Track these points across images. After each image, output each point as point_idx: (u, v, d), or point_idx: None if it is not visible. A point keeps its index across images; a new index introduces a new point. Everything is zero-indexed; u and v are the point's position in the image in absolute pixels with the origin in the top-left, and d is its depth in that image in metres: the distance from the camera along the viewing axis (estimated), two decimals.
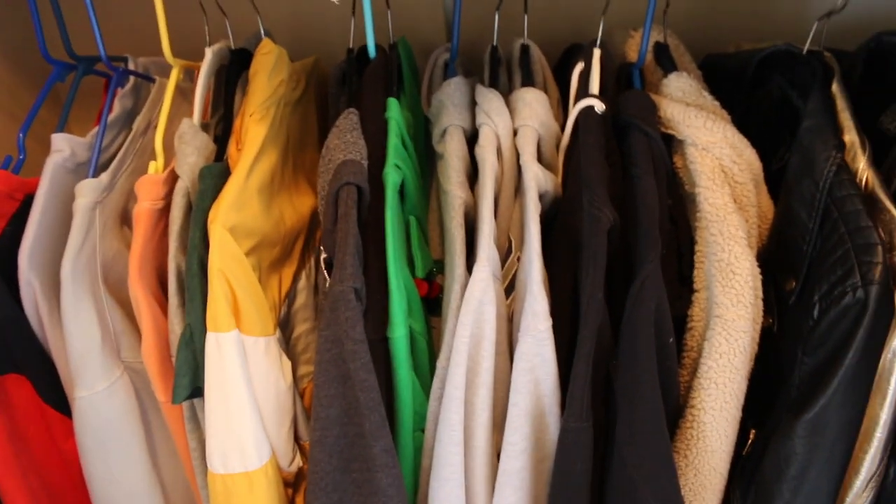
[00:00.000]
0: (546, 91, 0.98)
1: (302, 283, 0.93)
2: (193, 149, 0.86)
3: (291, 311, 0.92)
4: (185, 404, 0.85)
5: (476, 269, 0.77)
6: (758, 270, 0.82)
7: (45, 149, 0.89)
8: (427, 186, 0.96)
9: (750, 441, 0.88)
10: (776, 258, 0.87)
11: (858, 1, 1.09)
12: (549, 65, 1.06)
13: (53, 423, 0.91)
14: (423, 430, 0.83)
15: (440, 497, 0.80)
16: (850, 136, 0.86)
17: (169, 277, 0.82)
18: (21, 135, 0.91)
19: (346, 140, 0.83)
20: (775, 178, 0.90)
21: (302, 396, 0.89)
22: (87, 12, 0.88)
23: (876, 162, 0.84)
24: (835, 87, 0.90)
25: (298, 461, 0.87)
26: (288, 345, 0.91)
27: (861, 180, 0.83)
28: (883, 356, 0.77)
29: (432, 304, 0.89)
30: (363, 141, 0.84)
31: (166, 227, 0.84)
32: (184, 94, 0.99)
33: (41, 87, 0.95)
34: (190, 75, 0.99)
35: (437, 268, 0.90)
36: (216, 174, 0.83)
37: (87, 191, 0.85)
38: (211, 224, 0.77)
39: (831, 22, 0.91)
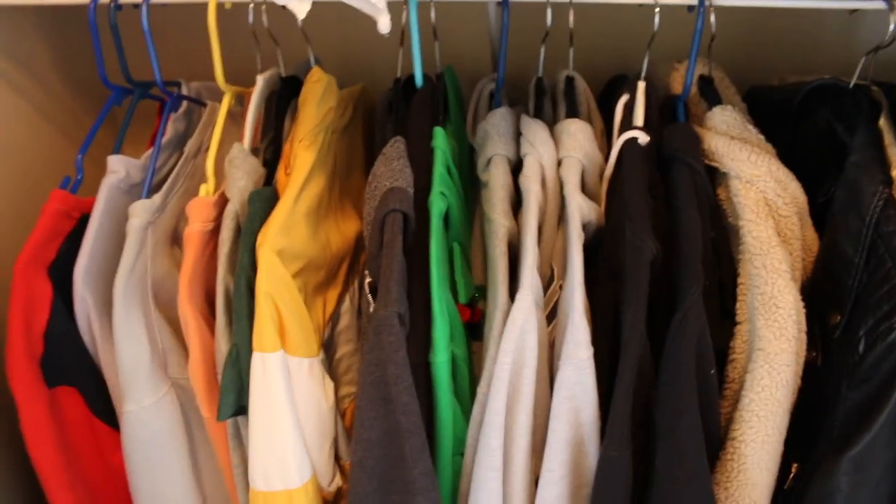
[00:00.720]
0: (590, 121, 0.99)
1: (346, 305, 0.95)
2: (243, 173, 0.88)
3: (335, 332, 0.93)
4: (230, 422, 0.86)
5: (519, 297, 0.78)
6: (801, 304, 0.82)
7: (102, 170, 0.92)
8: (471, 213, 0.97)
9: (792, 475, 0.87)
10: (821, 292, 0.87)
11: None
12: (593, 94, 1.07)
13: (102, 435, 0.93)
14: (462, 455, 0.83)
15: None
16: None
17: (217, 297, 0.84)
18: (79, 156, 0.94)
19: (392, 168, 0.85)
20: (821, 212, 0.90)
21: (343, 416, 0.91)
22: (144, 40, 0.92)
23: None
24: (882, 122, 0.91)
25: (338, 481, 0.88)
26: (330, 366, 0.92)
27: None
28: None
29: (474, 328, 0.90)
30: (409, 169, 0.86)
31: (215, 248, 0.86)
32: (234, 118, 1.02)
33: (99, 111, 0.98)
34: (240, 100, 1.01)
35: (479, 293, 0.91)
36: (265, 198, 0.85)
37: (140, 211, 0.88)
38: (259, 247, 0.79)
39: (881, 54, 0.90)
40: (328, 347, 0.92)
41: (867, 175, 0.84)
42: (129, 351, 0.85)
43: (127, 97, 1.00)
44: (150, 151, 0.95)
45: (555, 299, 0.84)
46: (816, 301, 0.86)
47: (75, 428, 0.91)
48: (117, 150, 0.97)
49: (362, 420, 0.76)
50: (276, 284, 0.78)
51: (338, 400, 0.91)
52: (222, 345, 0.83)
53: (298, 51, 1.00)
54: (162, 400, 0.88)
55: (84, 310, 0.87)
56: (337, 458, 0.89)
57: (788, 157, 0.92)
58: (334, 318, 0.93)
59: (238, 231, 0.85)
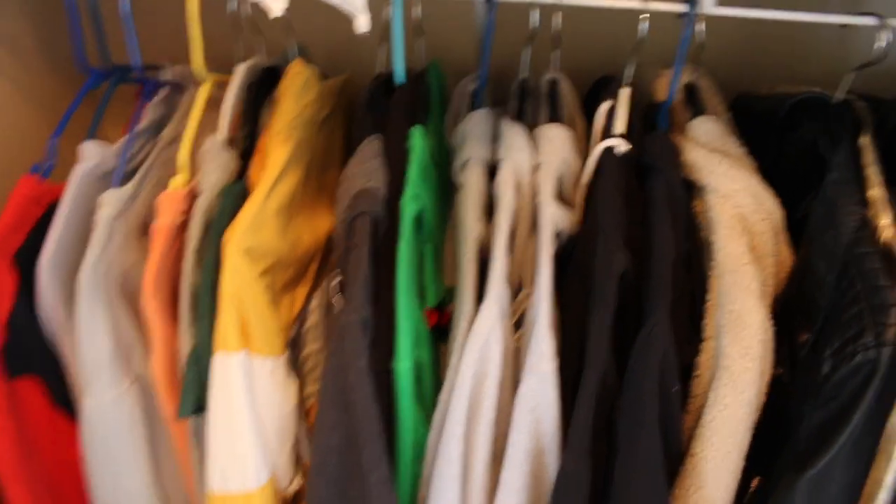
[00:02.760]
0: (573, 124, 0.98)
1: (315, 302, 0.94)
2: (216, 166, 0.87)
3: (303, 330, 0.93)
4: (191, 420, 0.86)
5: (484, 307, 0.77)
6: (769, 324, 0.81)
7: None
8: (446, 214, 0.97)
9: (752, 489, 0.88)
10: (793, 308, 0.87)
11: None
12: (579, 94, 1.06)
13: (63, 428, 0.92)
14: (422, 462, 0.83)
15: None
16: (875, 191, 0.85)
17: (181, 295, 0.83)
18: (52, 140, 0.93)
19: (365, 168, 0.84)
20: (800, 227, 0.89)
21: (307, 416, 0.90)
22: (124, 21, 0.90)
23: None
24: (863, 140, 0.90)
25: (298, 481, 0.88)
26: (297, 363, 0.92)
27: (882, 237, 0.82)
28: (891, 418, 0.76)
29: (443, 331, 0.90)
30: (383, 169, 0.85)
31: (183, 243, 0.85)
32: (216, 106, 1.00)
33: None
34: (223, 88, 1.00)
35: (450, 296, 0.91)
36: (236, 194, 0.84)
37: (110, 201, 0.87)
38: (226, 245, 0.78)
39: (872, 69, 0.89)
40: (295, 345, 0.91)
41: (844, 195, 0.83)
42: (92, 344, 0.84)
43: (105, 81, 0.99)
44: (124, 138, 0.94)
45: (523, 308, 0.83)
46: (788, 317, 0.86)
47: (35, 420, 0.90)
48: (92, 136, 0.95)
49: (321, 426, 0.76)
50: (240, 285, 0.77)
51: (303, 398, 0.91)
52: (185, 342, 0.83)
53: (285, 40, 0.99)
54: (123, 395, 0.87)
55: (48, 300, 0.86)
56: (298, 458, 0.89)
57: (773, 169, 0.92)
58: (302, 315, 0.92)
59: (207, 227, 0.85)
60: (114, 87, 0.99)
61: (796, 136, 0.99)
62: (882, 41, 0.86)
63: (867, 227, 0.81)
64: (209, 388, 0.78)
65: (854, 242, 0.80)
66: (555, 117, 0.98)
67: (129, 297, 0.87)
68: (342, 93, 1.05)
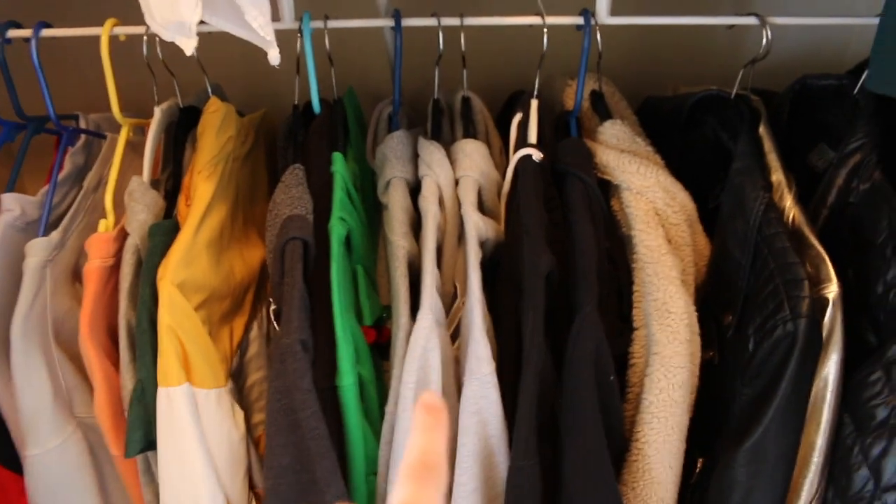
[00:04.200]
0: (488, 140, 1.02)
1: (254, 332, 0.95)
2: (143, 206, 0.88)
3: (244, 360, 0.93)
4: (140, 458, 0.85)
5: (419, 317, 0.79)
6: (693, 308, 0.85)
7: None
8: (375, 235, 0.99)
9: (697, 470, 0.91)
10: (715, 294, 0.91)
11: (786, 45, 1.15)
12: (493, 112, 1.09)
13: (6, 482, 0.91)
14: (375, 475, 0.84)
15: None
16: (777, 175, 0.90)
17: (119, 333, 0.83)
18: None
19: (291, 195, 0.86)
20: (712, 217, 0.94)
21: (257, 445, 0.90)
22: (35, 72, 0.90)
23: (805, 198, 0.89)
24: (762, 129, 0.95)
25: None
26: (241, 394, 0.92)
27: (788, 218, 0.87)
28: (815, 385, 0.81)
29: (384, 348, 0.91)
30: (308, 195, 0.87)
31: (117, 283, 0.85)
32: (136, 149, 1.01)
33: None
34: (142, 131, 1.01)
35: (388, 313, 0.92)
36: (165, 231, 0.85)
37: (37, 250, 0.87)
38: (160, 281, 0.79)
39: (764, 65, 0.95)
40: (238, 376, 0.91)
41: (749, 181, 0.88)
42: (30, 393, 0.83)
43: (21, 133, 0.99)
44: (46, 188, 0.94)
45: (458, 317, 0.85)
46: (711, 303, 0.90)
47: None
48: (11, 188, 0.95)
49: (272, 447, 0.77)
50: (178, 317, 0.78)
51: (251, 428, 0.91)
52: (127, 381, 0.83)
53: (199, 78, 1.00)
54: (67, 441, 0.86)
55: None
56: (252, 486, 0.89)
57: (679, 165, 0.95)
58: (242, 345, 0.93)
59: (139, 265, 0.85)
60: (30, 137, 0.99)
61: (700, 133, 1.04)
62: (764, 38, 0.92)
63: (774, 210, 0.86)
64: (157, 423, 0.78)
65: (763, 225, 0.84)
66: (470, 133, 1.01)
67: (65, 342, 0.87)
68: (262, 127, 1.06)
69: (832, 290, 0.79)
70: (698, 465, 0.91)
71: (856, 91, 0.91)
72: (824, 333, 0.79)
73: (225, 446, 0.83)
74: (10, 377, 0.84)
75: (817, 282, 0.80)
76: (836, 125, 0.97)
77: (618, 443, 0.85)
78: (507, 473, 0.81)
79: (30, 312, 0.84)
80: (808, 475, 0.82)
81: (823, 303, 0.79)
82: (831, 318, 0.79)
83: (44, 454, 0.85)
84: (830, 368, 0.80)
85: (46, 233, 0.90)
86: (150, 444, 0.81)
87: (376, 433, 0.84)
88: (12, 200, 0.90)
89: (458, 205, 0.89)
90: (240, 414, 0.86)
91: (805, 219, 0.86)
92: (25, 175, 1.00)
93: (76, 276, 0.92)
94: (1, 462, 0.91)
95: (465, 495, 0.80)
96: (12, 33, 0.91)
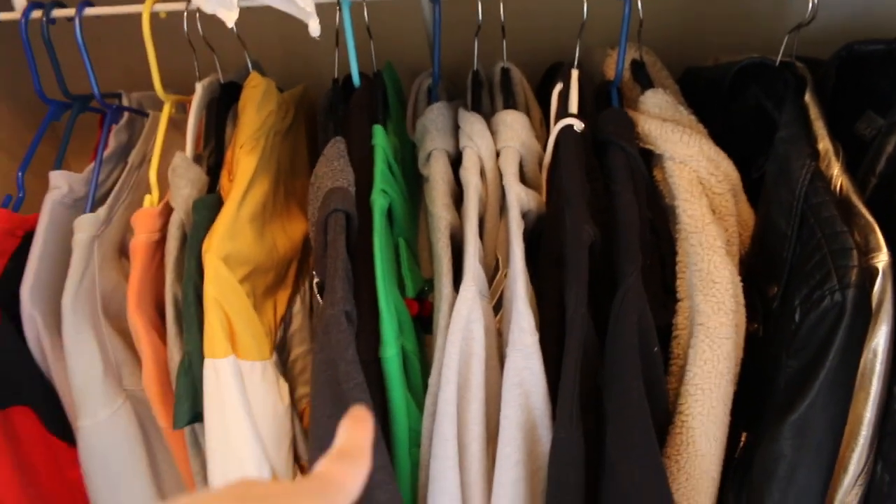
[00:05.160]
0: (528, 111, 1.01)
1: (297, 306, 0.96)
2: (187, 181, 0.89)
3: (288, 334, 0.94)
4: (187, 430, 0.87)
5: (462, 288, 0.79)
6: (738, 278, 0.84)
7: (46, 186, 0.92)
8: (416, 208, 0.99)
9: (742, 444, 0.90)
10: (759, 265, 0.90)
11: (832, 11, 1.12)
12: (532, 84, 1.09)
13: (59, 452, 0.93)
14: (419, 447, 0.85)
15: None
16: (824, 143, 0.88)
17: (166, 307, 0.84)
18: (20, 174, 0.94)
19: (333, 168, 0.86)
20: (755, 187, 0.92)
21: (301, 417, 0.92)
22: (80, 52, 0.91)
23: (853, 167, 0.87)
24: (807, 97, 0.93)
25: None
26: (286, 367, 0.93)
27: (836, 186, 0.85)
28: (864, 356, 0.79)
29: (426, 322, 0.91)
30: (350, 168, 0.87)
31: (163, 258, 0.87)
32: (178, 126, 1.02)
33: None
34: (183, 108, 1.02)
35: (429, 287, 0.93)
36: (209, 205, 0.85)
37: (85, 225, 0.88)
38: (205, 254, 0.79)
39: (808, 32, 0.93)
40: (282, 349, 0.93)
41: (795, 149, 0.86)
42: (81, 366, 0.85)
43: (66, 111, 1.00)
44: (92, 165, 0.95)
45: (501, 289, 0.85)
46: (755, 274, 0.89)
47: (31, 448, 0.91)
48: (58, 166, 0.97)
49: (316, 419, 0.77)
50: (223, 290, 0.79)
51: (295, 401, 0.92)
52: (174, 353, 0.84)
53: (239, 55, 1.01)
54: (117, 413, 0.88)
55: (33, 328, 0.87)
56: (297, 458, 0.90)
57: (722, 135, 0.94)
58: (286, 319, 0.94)
59: (184, 240, 0.86)
60: (76, 116, 1.00)
61: (743, 101, 1.02)
62: (810, 3, 0.90)
63: (821, 178, 0.84)
64: (204, 395, 0.79)
65: (810, 194, 0.83)
66: (510, 104, 1.00)
67: (113, 316, 0.89)
68: (302, 102, 1.07)
69: (882, 259, 0.77)
70: (742, 440, 0.90)
71: None
72: (874, 303, 0.78)
73: (270, 418, 0.84)
74: (62, 351, 0.85)
75: (866, 251, 0.78)
76: (884, 91, 0.94)
77: (662, 415, 0.85)
78: (550, 445, 0.81)
79: (79, 287, 0.86)
80: (855, 449, 0.81)
81: (873, 272, 0.77)
82: (881, 287, 0.77)
83: (95, 425, 0.87)
84: (880, 339, 0.78)
85: (93, 209, 0.92)
86: (197, 415, 0.82)
87: (419, 405, 0.84)
88: (60, 178, 0.91)
89: (500, 176, 0.89)
90: (284, 386, 0.87)
91: (853, 187, 0.84)
92: (71, 153, 1.01)
93: (122, 251, 0.94)
94: (55, 433, 0.93)
95: (509, 466, 0.81)
96: (56, 13, 0.92)
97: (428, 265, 0.95)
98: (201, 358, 0.79)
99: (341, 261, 0.78)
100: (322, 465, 0.40)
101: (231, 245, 0.81)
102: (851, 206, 0.82)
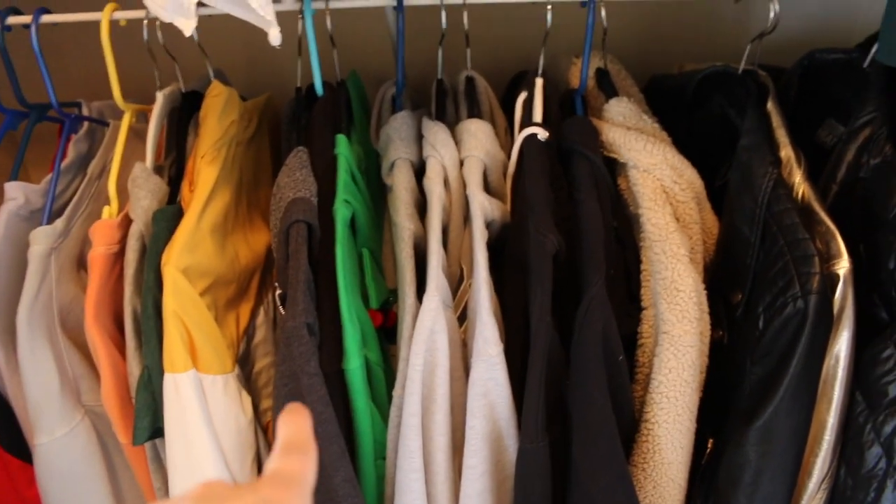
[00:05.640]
0: (493, 120, 1.01)
1: (260, 318, 0.94)
2: (146, 192, 0.87)
3: (251, 346, 0.93)
4: (148, 445, 0.85)
5: (426, 298, 0.79)
6: (702, 286, 0.84)
7: (1, 198, 0.90)
8: (381, 218, 0.98)
9: (708, 450, 0.90)
10: (723, 272, 0.90)
11: (794, 20, 1.13)
12: (497, 93, 1.08)
13: (15, 471, 0.91)
14: (385, 459, 0.84)
15: None
16: (786, 151, 0.89)
17: (125, 320, 0.83)
18: None
19: (295, 178, 0.85)
20: (719, 195, 0.92)
21: (265, 431, 0.90)
22: (36, 59, 0.90)
23: (814, 174, 0.87)
24: (770, 105, 0.93)
25: None
26: (249, 380, 0.92)
27: (797, 194, 0.86)
28: (826, 362, 0.80)
29: (390, 332, 0.91)
30: (312, 178, 0.86)
31: (122, 270, 0.85)
32: (139, 136, 1.00)
33: None
34: (145, 118, 1.00)
35: (394, 297, 0.92)
36: (169, 217, 0.84)
37: (42, 238, 0.87)
38: (164, 266, 0.78)
39: (771, 41, 0.93)
40: (245, 362, 0.91)
41: (757, 157, 0.87)
42: (37, 382, 0.83)
43: (24, 120, 0.98)
44: (50, 176, 0.94)
45: (465, 299, 0.85)
46: (720, 281, 0.89)
47: None
48: (15, 176, 0.95)
49: None
50: (183, 303, 0.77)
51: (259, 414, 0.91)
52: (134, 368, 0.82)
53: (201, 64, 0.99)
54: (76, 429, 0.86)
55: None
56: (261, 472, 0.89)
57: (686, 143, 0.94)
58: (249, 331, 0.93)
59: (143, 252, 0.85)
60: (32, 125, 0.98)
61: (707, 109, 1.03)
62: (772, 11, 0.90)
63: (783, 186, 0.84)
64: (164, 410, 0.78)
65: (772, 201, 0.83)
66: (474, 113, 1.00)
67: (72, 330, 0.87)
68: (265, 111, 1.05)
69: (843, 266, 0.78)
70: (709, 446, 0.90)
71: (866, 64, 0.90)
72: (835, 310, 0.78)
73: (232, 432, 0.82)
74: (17, 366, 0.84)
75: (828, 258, 0.79)
76: (845, 100, 0.95)
77: (627, 423, 0.85)
78: (516, 455, 0.80)
79: (35, 301, 0.84)
80: (819, 454, 0.82)
81: (834, 279, 0.78)
82: (842, 294, 0.78)
83: (52, 443, 0.85)
84: (842, 345, 0.79)
85: (50, 221, 0.90)
86: (157, 431, 0.81)
87: (384, 417, 0.84)
88: (16, 189, 0.89)
89: (464, 185, 0.88)
90: (247, 399, 0.85)
91: (815, 195, 0.84)
92: (30, 164, 1.00)
93: (81, 264, 0.92)
94: (10, 451, 0.91)
95: (475, 478, 0.80)
96: (12, 20, 0.91)
97: (393, 275, 0.94)
98: (161, 372, 0.78)
99: (302, 272, 0.77)
100: (273, 463, 0.42)
101: (191, 257, 0.80)
102: (813, 213, 0.83)
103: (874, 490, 0.79)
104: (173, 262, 0.78)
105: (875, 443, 0.79)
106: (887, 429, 0.77)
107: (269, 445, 0.90)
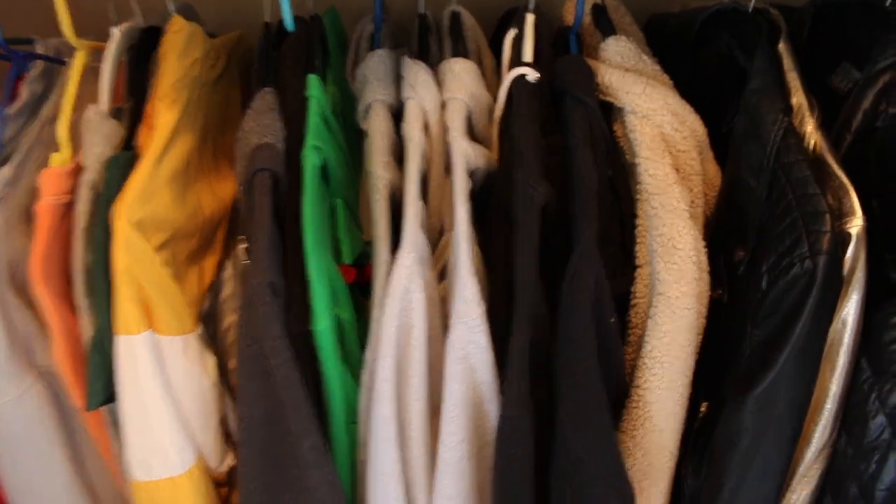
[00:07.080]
0: (480, 60, 0.95)
1: (228, 272, 0.88)
2: (100, 137, 0.81)
3: (218, 301, 0.88)
4: (106, 409, 0.81)
5: (399, 255, 0.73)
6: (702, 244, 0.79)
7: None
8: (361, 166, 0.92)
9: (701, 414, 0.86)
10: (726, 226, 0.85)
11: None
12: (486, 31, 1.02)
13: None
14: (357, 423, 0.80)
15: (377, 492, 0.77)
16: (798, 97, 0.83)
17: (75, 278, 0.77)
18: None
19: (260, 122, 0.79)
20: (725, 143, 0.87)
21: (233, 392, 0.86)
22: None
23: (826, 123, 0.81)
24: (781, 46, 0.87)
25: (231, 459, 0.84)
26: (216, 338, 0.87)
27: (809, 144, 0.80)
28: (832, 327, 0.75)
29: (367, 287, 0.85)
30: (280, 122, 0.80)
31: (72, 222, 0.79)
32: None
33: None
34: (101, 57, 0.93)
35: (371, 250, 0.87)
36: (124, 164, 0.78)
37: None
38: (115, 220, 0.72)
39: None
40: (211, 319, 0.86)
41: (767, 102, 0.81)
42: None
43: None
44: None
45: (446, 254, 0.79)
46: (722, 236, 0.84)
47: None
48: None
49: (243, 398, 0.72)
50: (135, 260, 0.72)
51: (228, 372, 0.86)
52: (86, 328, 0.77)
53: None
54: (27, 392, 0.81)
55: None
56: (228, 435, 0.84)
57: (689, 86, 0.89)
58: (216, 286, 0.87)
59: (96, 202, 0.78)
60: None
61: (712, 50, 0.97)
62: None
63: (794, 135, 0.79)
64: (116, 374, 0.73)
65: (782, 151, 0.78)
66: (459, 52, 0.94)
67: (21, 287, 0.81)
68: (236, 49, 0.98)
69: (856, 225, 0.72)
70: (702, 409, 0.86)
71: (888, 2, 0.83)
72: (845, 271, 0.73)
73: (195, 395, 0.78)
74: None
75: (840, 215, 0.74)
76: (862, 43, 0.88)
77: (618, 388, 0.80)
78: (497, 422, 0.76)
79: None
80: (819, 422, 0.78)
81: (845, 238, 0.73)
82: (853, 254, 0.73)
83: (2, 405, 0.80)
84: (850, 309, 0.74)
85: None
86: (112, 395, 0.76)
87: (357, 379, 0.79)
88: None
89: (446, 131, 0.82)
90: (211, 360, 0.81)
91: (828, 146, 0.78)
92: None
93: (31, 215, 0.86)
94: None
95: (453, 444, 0.76)
96: None
97: (371, 227, 0.89)
98: (113, 334, 0.72)
99: (265, 227, 0.72)
100: None
101: (145, 209, 0.73)
102: (825, 165, 0.77)
103: (876, 461, 0.75)
104: (125, 214, 0.72)
105: (879, 412, 0.74)
106: (893, 398, 0.73)
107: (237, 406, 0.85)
